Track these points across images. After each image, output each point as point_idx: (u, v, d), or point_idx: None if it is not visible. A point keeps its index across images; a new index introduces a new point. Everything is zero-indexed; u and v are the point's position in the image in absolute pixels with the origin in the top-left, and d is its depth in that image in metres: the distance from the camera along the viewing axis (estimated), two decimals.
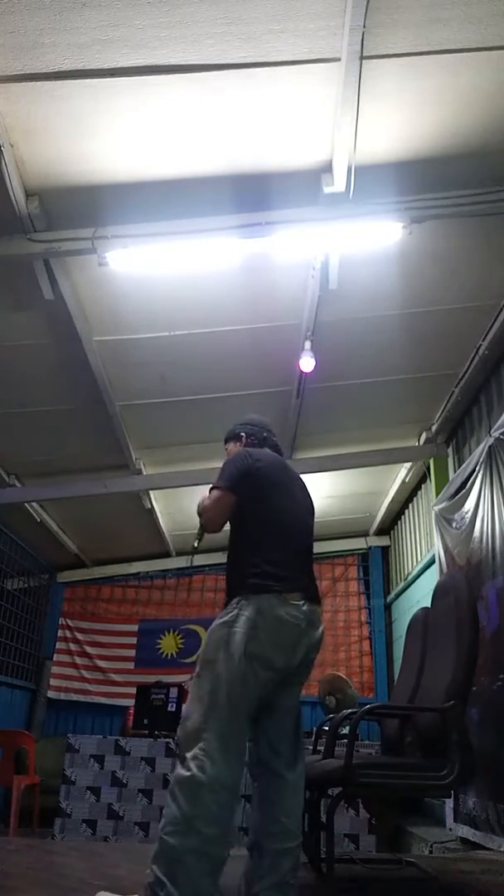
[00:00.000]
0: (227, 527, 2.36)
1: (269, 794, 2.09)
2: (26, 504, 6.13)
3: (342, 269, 3.61)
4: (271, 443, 2.66)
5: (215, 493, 2.32)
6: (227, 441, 2.72)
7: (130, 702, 5.60)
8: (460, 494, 4.41)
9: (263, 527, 2.26)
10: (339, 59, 2.63)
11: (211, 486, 2.36)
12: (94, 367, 4.20)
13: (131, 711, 5.44)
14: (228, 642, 2.04)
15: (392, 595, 7.33)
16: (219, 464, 2.44)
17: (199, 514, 2.34)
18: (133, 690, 5.19)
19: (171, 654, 7.74)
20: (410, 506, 6.79)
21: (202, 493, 2.43)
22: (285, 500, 2.36)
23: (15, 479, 5.70)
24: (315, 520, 2.50)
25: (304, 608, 2.15)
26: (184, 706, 2.15)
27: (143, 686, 4.98)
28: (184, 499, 5.95)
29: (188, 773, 1.90)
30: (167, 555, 7.87)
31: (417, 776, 2.35)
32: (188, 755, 1.93)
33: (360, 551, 7.89)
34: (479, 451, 4.11)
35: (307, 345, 4.05)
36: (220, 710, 1.98)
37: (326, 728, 3.05)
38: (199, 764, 1.90)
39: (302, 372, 4.19)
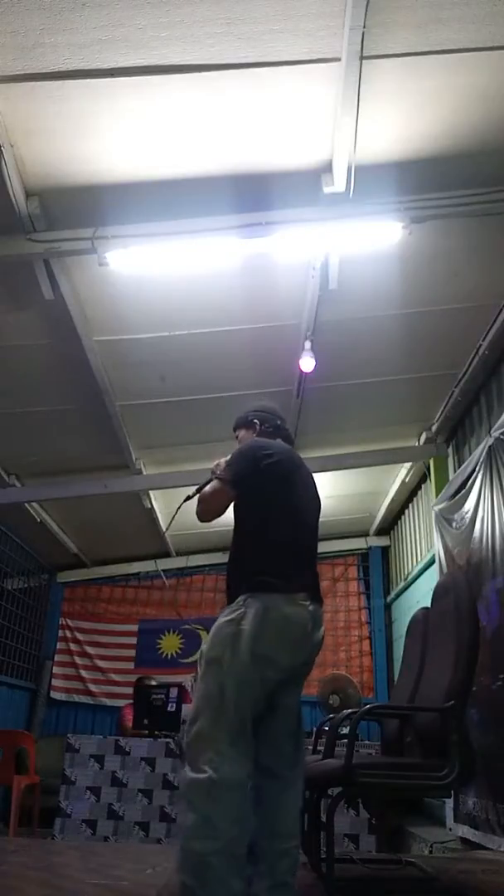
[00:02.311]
0: (225, 520, 2.33)
1: (268, 794, 2.08)
2: (26, 504, 6.13)
3: (342, 269, 3.61)
4: (284, 432, 2.58)
5: (217, 484, 2.27)
6: (237, 428, 2.63)
7: (130, 702, 5.61)
8: (460, 494, 4.41)
9: (270, 524, 2.22)
10: (339, 59, 2.62)
11: (215, 473, 2.32)
12: (94, 367, 4.20)
13: (125, 712, 5.43)
14: (235, 641, 2.01)
15: (392, 595, 7.33)
16: None
17: (198, 501, 2.32)
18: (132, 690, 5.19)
19: (172, 654, 7.74)
20: (410, 506, 6.79)
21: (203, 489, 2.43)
22: (294, 497, 2.31)
23: (15, 479, 5.70)
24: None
25: (310, 608, 2.13)
26: (190, 706, 2.15)
27: (143, 686, 4.98)
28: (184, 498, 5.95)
29: (203, 776, 1.87)
30: (167, 555, 7.87)
31: (417, 776, 2.35)
32: (200, 758, 1.91)
33: (360, 551, 7.89)
34: (479, 451, 4.11)
35: (307, 345, 4.05)
36: (228, 710, 1.95)
37: (326, 728, 3.05)
38: (213, 766, 1.88)
39: (302, 372, 4.19)
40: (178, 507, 2.66)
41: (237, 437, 2.60)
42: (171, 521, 2.82)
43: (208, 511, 2.29)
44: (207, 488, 2.30)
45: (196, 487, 2.50)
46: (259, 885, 1.98)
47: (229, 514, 2.37)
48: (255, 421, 2.57)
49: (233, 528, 2.35)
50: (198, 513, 2.32)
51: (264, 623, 2.02)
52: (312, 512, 2.40)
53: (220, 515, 2.30)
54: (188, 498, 2.55)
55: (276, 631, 2.04)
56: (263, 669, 2.01)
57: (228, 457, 2.47)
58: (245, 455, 2.31)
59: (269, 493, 2.25)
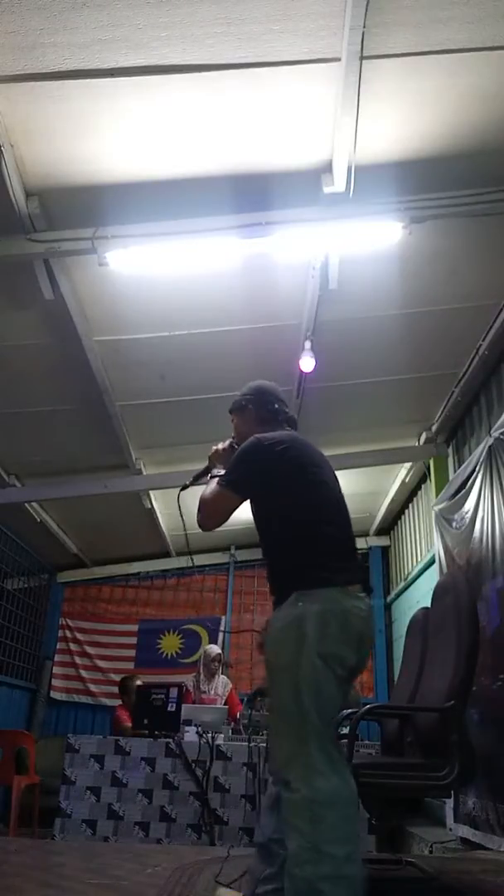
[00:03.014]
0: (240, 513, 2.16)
1: None
2: (26, 504, 6.13)
3: (342, 269, 3.61)
4: (284, 415, 2.38)
5: (219, 489, 2.12)
6: (232, 411, 2.44)
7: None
8: (460, 494, 4.41)
9: (311, 515, 2.06)
10: (339, 59, 2.62)
11: (217, 475, 2.21)
12: (94, 367, 4.20)
13: (119, 713, 5.43)
14: (300, 644, 1.86)
15: (392, 595, 7.32)
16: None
17: (199, 507, 2.17)
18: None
19: (172, 654, 7.74)
20: (410, 506, 6.79)
21: (202, 493, 2.39)
22: (323, 484, 2.14)
23: (15, 479, 5.70)
24: None
25: (366, 600, 2.01)
26: (269, 722, 1.97)
27: (142, 686, 4.97)
28: (184, 498, 5.95)
29: (299, 796, 1.74)
30: (167, 555, 7.87)
31: (417, 776, 2.35)
32: (293, 776, 1.78)
33: (361, 551, 7.87)
34: (479, 451, 4.11)
35: (307, 345, 4.05)
36: (311, 720, 1.80)
37: None
38: (307, 783, 1.74)
39: (302, 372, 4.19)
40: (179, 497, 2.49)
41: (232, 422, 2.45)
42: (182, 520, 2.63)
43: (211, 517, 2.15)
44: (209, 494, 2.15)
45: (192, 476, 2.42)
46: (264, 887, 1.92)
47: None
48: (250, 406, 2.38)
49: (259, 527, 2.19)
50: (199, 521, 2.18)
51: (327, 621, 1.88)
52: (340, 491, 2.21)
53: (223, 523, 2.17)
54: (184, 487, 2.44)
55: (339, 628, 1.89)
56: (335, 668, 1.87)
57: (225, 442, 2.37)
58: (248, 454, 2.14)
59: (294, 485, 2.08)
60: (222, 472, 2.27)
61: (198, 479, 2.41)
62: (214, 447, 2.38)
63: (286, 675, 1.86)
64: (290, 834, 1.74)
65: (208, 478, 2.34)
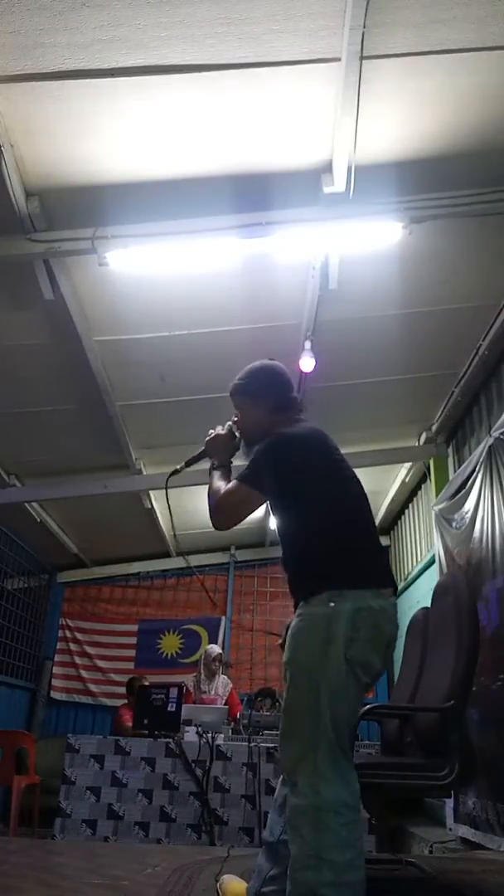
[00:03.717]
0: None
1: None
2: (26, 504, 6.13)
3: (342, 269, 3.61)
4: (299, 406, 2.24)
5: (238, 487, 1.99)
6: (239, 394, 2.26)
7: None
8: (460, 494, 4.41)
9: (342, 510, 1.97)
10: (339, 59, 2.62)
11: (220, 467, 2.12)
12: (94, 367, 4.20)
13: (122, 712, 5.43)
14: (326, 646, 1.79)
15: None
16: None
17: (216, 506, 2.03)
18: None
19: (171, 654, 7.74)
20: (410, 506, 6.79)
21: (204, 492, 2.33)
22: (349, 480, 2.05)
23: (15, 479, 5.70)
24: None
25: (395, 603, 1.95)
26: (280, 722, 1.91)
27: (143, 687, 4.97)
28: (184, 499, 5.96)
29: (305, 802, 1.71)
30: (167, 555, 7.88)
31: (417, 776, 2.35)
32: (299, 781, 1.74)
33: None
34: (479, 451, 4.11)
35: (307, 345, 4.05)
36: (324, 724, 1.75)
37: None
38: (313, 788, 1.71)
39: (302, 372, 4.19)
40: (167, 486, 2.36)
41: (236, 405, 2.28)
42: (169, 508, 2.50)
43: (232, 519, 2.03)
44: (227, 492, 2.03)
45: (185, 461, 2.31)
46: (271, 887, 1.91)
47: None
48: (267, 395, 2.19)
49: (281, 526, 2.10)
50: (216, 521, 2.05)
51: (357, 625, 1.80)
52: (363, 489, 2.11)
53: (240, 522, 2.05)
54: (175, 472, 2.29)
55: (369, 633, 1.82)
56: (359, 674, 1.80)
57: (224, 427, 2.24)
58: (271, 454, 2.01)
59: (322, 483, 1.98)
60: (217, 461, 2.18)
61: (190, 463, 2.29)
62: (213, 431, 2.26)
63: (307, 676, 1.80)
64: (292, 838, 1.73)
65: (209, 468, 2.21)
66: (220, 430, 2.27)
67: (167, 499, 2.38)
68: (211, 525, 2.09)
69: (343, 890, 1.63)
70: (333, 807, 1.69)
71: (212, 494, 2.07)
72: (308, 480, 1.98)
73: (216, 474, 2.15)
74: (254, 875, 2.05)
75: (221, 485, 2.08)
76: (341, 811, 1.69)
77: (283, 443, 2.03)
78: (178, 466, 2.33)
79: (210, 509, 2.06)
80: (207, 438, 2.27)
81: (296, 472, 1.98)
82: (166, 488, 2.39)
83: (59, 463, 5.58)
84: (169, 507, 2.41)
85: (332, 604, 1.83)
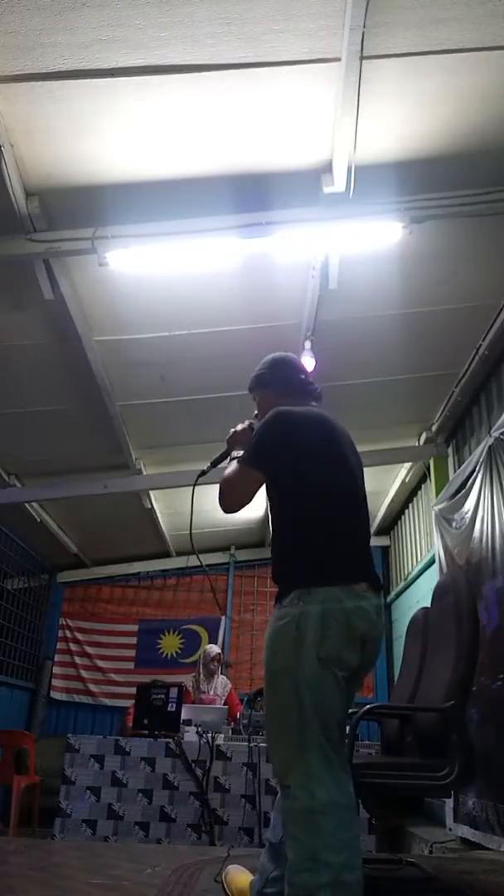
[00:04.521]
0: (225, 519, 2.15)
1: None
2: (26, 504, 6.13)
3: (342, 269, 3.61)
4: (310, 388, 2.24)
5: (241, 469, 1.99)
6: (253, 389, 2.29)
7: (131, 702, 5.61)
8: (460, 494, 4.41)
9: (321, 503, 1.94)
10: (339, 59, 2.63)
11: (231, 446, 2.13)
12: (94, 367, 4.20)
13: (130, 711, 5.44)
14: (299, 646, 1.79)
15: (392, 595, 7.33)
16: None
17: (220, 489, 2.02)
18: (133, 691, 5.20)
19: (171, 654, 7.74)
20: (410, 506, 6.79)
21: (204, 492, 2.33)
22: (342, 470, 2.02)
23: (15, 479, 5.71)
24: None
25: (373, 600, 1.90)
26: (265, 727, 1.90)
27: (143, 686, 4.98)
28: (184, 498, 5.96)
29: (298, 804, 1.71)
30: (167, 555, 7.88)
31: (417, 776, 2.35)
32: (292, 784, 1.74)
33: None
34: (479, 451, 4.11)
35: (307, 345, 4.05)
36: (311, 725, 1.74)
37: None
38: (306, 791, 1.70)
39: None
40: (194, 486, 2.32)
41: (255, 400, 2.31)
42: (192, 509, 2.41)
43: (234, 500, 2.01)
44: (230, 473, 2.03)
45: (211, 462, 2.32)
46: (272, 888, 1.91)
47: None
48: (270, 379, 2.24)
49: (272, 512, 2.07)
50: (222, 504, 2.04)
51: (327, 623, 1.80)
52: (361, 482, 2.08)
53: (247, 504, 2.03)
54: (203, 473, 2.29)
55: (340, 630, 1.81)
56: (335, 671, 1.79)
57: (244, 423, 2.25)
58: (270, 428, 2.01)
59: (313, 466, 1.96)
60: (238, 454, 2.16)
61: (216, 463, 2.30)
62: (233, 429, 2.26)
63: (284, 677, 1.80)
64: (288, 842, 1.73)
65: (227, 461, 2.22)
66: (240, 426, 2.28)
67: (192, 501, 2.33)
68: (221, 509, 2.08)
69: (340, 890, 1.62)
70: (327, 808, 1.68)
71: (222, 479, 2.07)
72: (297, 461, 1.97)
73: (231, 463, 2.15)
74: (257, 873, 2.05)
75: (227, 470, 2.08)
76: (335, 812, 1.69)
77: (277, 419, 2.03)
78: (204, 467, 2.34)
79: (218, 494, 2.06)
80: (228, 436, 2.27)
81: (287, 449, 1.98)
82: (193, 495, 2.34)
83: (59, 463, 5.58)
84: (192, 507, 2.38)
85: (301, 603, 1.83)
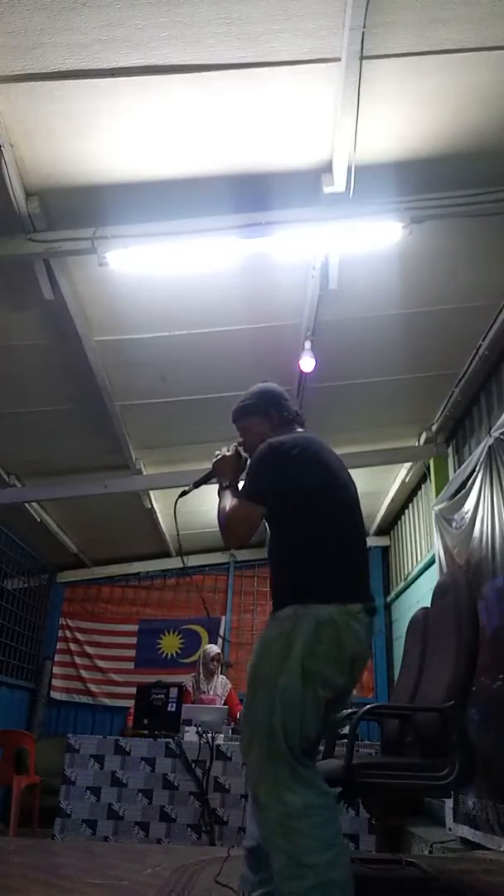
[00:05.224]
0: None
1: None
2: (26, 504, 6.13)
3: (342, 269, 3.61)
4: (300, 418, 2.28)
5: (238, 504, 2.02)
6: (243, 417, 2.30)
7: (131, 702, 5.62)
8: (460, 494, 4.41)
9: (322, 522, 1.97)
10: (339, 59, 2.62)
11: (226, 486, 2.14)
12: (94, 367, 4.20)
13: (131, 711, 5.44)
14: (284, 659, 1.80)
15: (392, 595, 7.33)
16: None
17: (222, 525, 2.04)
18: (133, 691, 5.20)
19: (171, 654, 7.74)
20: (410, 506, 6.79)
21: (204, 492, 2.34)
22: (340, 490, 2.04)
23: (15, 479, 5.70)
24: None
25: (365, 621, 1.91)
26: (241, 733, 1.92)
27: (144, 686, 4.98)
28: (184, 498, 5.96)
29: (272, 813, 1.71)
30: (167, 555, 7.87)
31: (417, 776, 2.35)
32: (261, 793, 1.75)
33: None
34: (479, 451, 4.11)
35: (307, 345, 4.05)
36: (277, 737, 1.75)
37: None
38: (276, 798, 1.71)
39: (302, 372, 4.19)
40: (176, 506, 2.40)
41: (243, 428, 2.31)
42: (176, 525, 2.56)
43: (240, 536, 2.03)
44: (231, 511, 2.03)
45: (193, 483, 2.34)
46: (259, 890, 1.91)
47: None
48: (262, 411, 2.25)
49: (271, 534, 2.10)
50: (226, 540, 2.06)
51: (319, 639, 1.80)
52: (358, 502, 2.11)
53: (252, 536, 2.04)
54: (184, 493, 2.34)
55: (330, 648, 1.81)
56: (317, 689, 1.79)
57: (230, 449, 2.26)
58: (265, 461, 2.03)
59: (311, 492, 1.99)
60: (225, 481, 2.19)
61: (198, 484, 2.32)
62: (219, 453, 2.28)
63: (264, 688, 1.81)
64: (271, 853, 1.72)
65: (214, 483, 2.24)
66: (225, 451, 2.28)
67: (175, 518, 2.41)
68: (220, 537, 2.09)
69: (329, 890, 1.62)
70: (303, 812, 1.68)
71: (220, 514, 2.08)
72: (291, 490, 1.99)
73: (224, 494, 2.15)
74: (239, 885, 2.05)
75: (227, 503, 2.08)
76: (311, 813, 1.68)
77: (270, 450, 2.04)
78: (186, 488, 2.36)
79: (220, 529, 2.07)
80: (214, 460, 2.27)
81: (283, 478, 2.00)
82: (175, 514, 2.44)
83: (59, 463, 5.58)
84: (177, 527, 2.44)
85: (293, 618, 1.85)
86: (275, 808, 1.71)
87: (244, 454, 2.25)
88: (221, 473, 2.24)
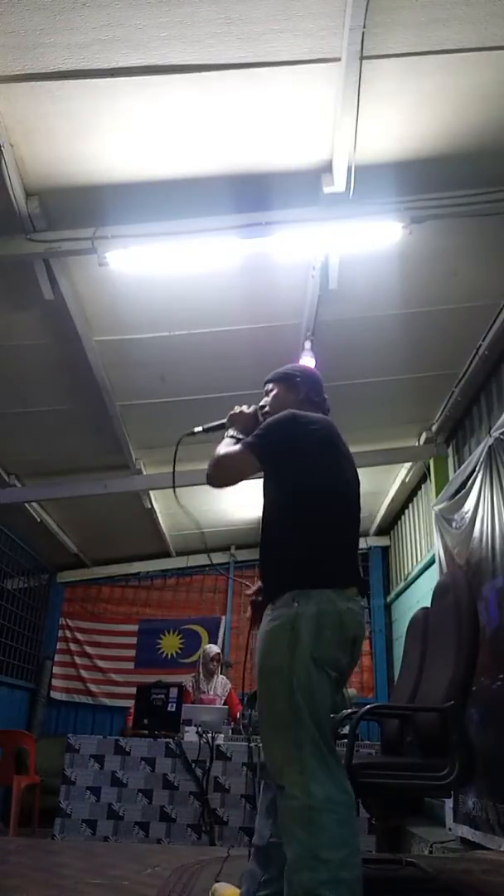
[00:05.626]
0: (225, 520, 2.16)
1: None
2: (26, 504, 6.13)
3: (342, 269, 3.61)
4: (326, 406, 2.30)
5: (240, 449, 2.01)
6: (273, 381, 2.31)
7: (131, 702, 5.62)
8: (460, 494, 4.41)
9: (321, 507, 1.98)
10: (339, 59, 2.62)
11: (239, 437, 2.12)
12: (94, 367, 4.20)
13: (131, 711, 5.44)
14: (293, 647, 1.81)
15: (392, 595, 7.33)
16: None
17: (214, 460, 2.04)
18: (133, 691, 5.20)
19: (171, 654, 7.74)
20: (410, 506, 6.79)
21: (204, 492, 2.33)
22: (343, 476, 2.06)
23: (15, 479, 5.71)
24: None
25: (360, 603, 1.95)
26: (259, 728, 1.91)
27: (144, 686, 4.98)
28: (184, 499, 5.96)
29: (296, 803, 1.71)
30: (167, 555, 7.87)
31: (417, 776, 2.35)
32: (287, 783, 1.74)
33: (360, 551, 7.85)
34: (479, 451, 4.11)
35: (307, 345, 4.05)
36: (306, 723, 1.76)
37: None
38: (303, 789, 1.70)
39: None
40: (177, 444, 2.37)
41: (267, 392, 2.32)
42: (174, 468, 2.46)
43: (225, 477, 2.04)
44: (229, 451, 2.04)
45: (204, 427, 2.33)
46: (265, 891, 1.91)
47: (235, 497, 2.16)
48: (299, 383, 2.25)
49: (265, 508, 2.09)
50: (210, 475, 2.06)
51: (322, 624, 1.83)
52: (358, 493, 2.14)
53: (232, 484, 2.05)
54: (191, 433, 2.33)
55: (333, 631, 1.84)
56: (328, 671, 1.83)
57: (251, 407, 2.26)
58: (282, 426, 2.03)
59: (316, 470, 2.00)
60: (239, 435, 2.18)
61: (208, 431, 2.31)
62: (238, 407, 2.28)
63: (278, 678, 1.81)
64: (288, 842, 1.72)
65: (224, 434, 2.23)
66: (245, 408, 2.30)
67: (175, 457, 2.36)
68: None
69: (340, 888, 1.62)
70: (325, 805, 1.69)
71: (217, 452, 2.09)
72: (297, 463, 2.00)
73: (228, 440, 2.16)
74: (243, 880, 2.04)
75: (229, 447, 2.10)
76: (333, 808, 1.69)
77: (290, 417, 2.06)
78: (195, 429, 2.34)
79: (209, 464, 2.07)
80: (232, 412, 2.29)
81: (291, 448, 2.01)
82: (176, 450, 2.39)
83: (59, 463, 5.58)
84: (174, 466, 2.39)
85: (295, 604, 1.85)
86: (299, 798, 1.71)
87: (261, 418, 2.26)
88: (234, 424, 2.27)
